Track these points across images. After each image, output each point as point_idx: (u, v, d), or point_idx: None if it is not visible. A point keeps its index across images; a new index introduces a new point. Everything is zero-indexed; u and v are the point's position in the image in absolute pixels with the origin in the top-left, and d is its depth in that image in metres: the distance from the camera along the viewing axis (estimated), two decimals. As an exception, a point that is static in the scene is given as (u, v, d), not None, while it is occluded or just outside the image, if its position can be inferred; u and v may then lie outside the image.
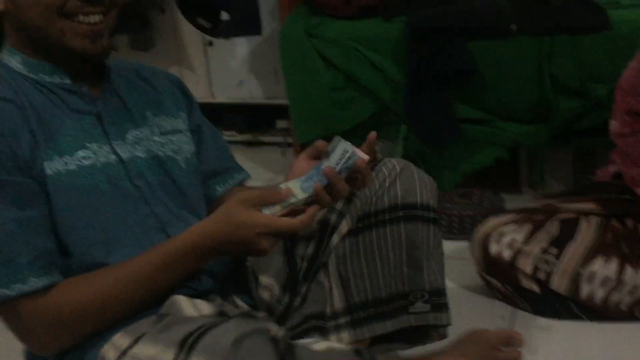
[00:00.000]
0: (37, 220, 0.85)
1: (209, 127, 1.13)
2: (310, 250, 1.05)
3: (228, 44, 2.76)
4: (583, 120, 1.83)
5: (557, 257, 1.39)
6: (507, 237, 1.44)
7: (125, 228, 0.92)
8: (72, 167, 0.89)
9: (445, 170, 2.04)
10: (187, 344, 0.77)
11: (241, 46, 2.81)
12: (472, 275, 1.55)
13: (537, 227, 1.45)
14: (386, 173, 1.04)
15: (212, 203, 1.09)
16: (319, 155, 0.94)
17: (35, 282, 0.83)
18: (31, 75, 0.92)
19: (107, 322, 0.87)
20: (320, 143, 0.94)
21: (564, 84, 1.81)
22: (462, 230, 1.78)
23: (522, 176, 2.06)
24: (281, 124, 2.83)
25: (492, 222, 1.50)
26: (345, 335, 1.03)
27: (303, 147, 2.33)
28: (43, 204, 0.86)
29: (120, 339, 0.85)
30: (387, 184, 1.03)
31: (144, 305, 0.89)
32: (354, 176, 0.90)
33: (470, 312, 1.46)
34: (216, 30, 2.49)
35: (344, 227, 1.04)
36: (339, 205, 1.04)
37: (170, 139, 1.02)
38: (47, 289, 0.84)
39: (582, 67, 1.78)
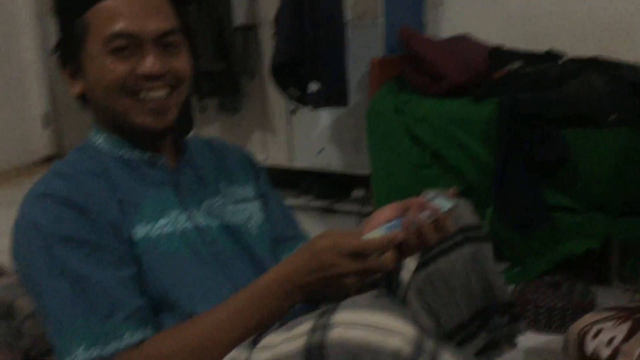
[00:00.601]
0: (130, 279, 0.88)
1: (274, 195, 1.16)
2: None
3: (311, 112, 2.83)
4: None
5: (659, 362, 1.31)
6: (605, 334, 1.37)
7: (206, 291, 0.94)
8: (155, 234, 0.93)
9: (531, 258, 1.98)
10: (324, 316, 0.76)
11: (324, 115, 2.87)
12: (562, 372, 1.48)
13: (638, 326, 1.37)
14: None
15: None
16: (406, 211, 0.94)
17: (128, 338, 0.84)
18: (114, 152, 0.98)
19: None
20: (415, 201, 0.94)
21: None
22: (549, 323, 1.71)
23: (613, 269, 1.98)
24: (357, 193, 2.85)
25: (588, 317, 1.43)
26: None
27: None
28: (133, 265, 0.90)
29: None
30: None
31: (233, 346, 0.87)
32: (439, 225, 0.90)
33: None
34: (304, 99, 2.56)
35: (410, 262, 1.04)
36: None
37: (241, 207, 1.06)
38: (140, 343, 0.85)
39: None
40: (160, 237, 0.93)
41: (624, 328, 1.37)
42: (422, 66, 2.25)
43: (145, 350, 0.85)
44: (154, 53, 0.92)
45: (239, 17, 2.92)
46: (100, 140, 0.99)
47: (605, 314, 1.43)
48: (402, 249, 0.89)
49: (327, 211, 2.90)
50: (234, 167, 1.11)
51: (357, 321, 0.74)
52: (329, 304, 1.05)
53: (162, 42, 0.93)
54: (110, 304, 0.85)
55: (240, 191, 1.08)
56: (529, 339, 1.68)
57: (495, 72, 2.18)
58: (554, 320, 1.69)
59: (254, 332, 0.88)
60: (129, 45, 0.91)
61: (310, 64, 2.42)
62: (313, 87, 2.52)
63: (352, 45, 2.56)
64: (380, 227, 0.89)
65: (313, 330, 0.75)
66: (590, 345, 1.37)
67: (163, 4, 0.95)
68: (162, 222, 0.94)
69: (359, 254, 0.83)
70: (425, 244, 0.90)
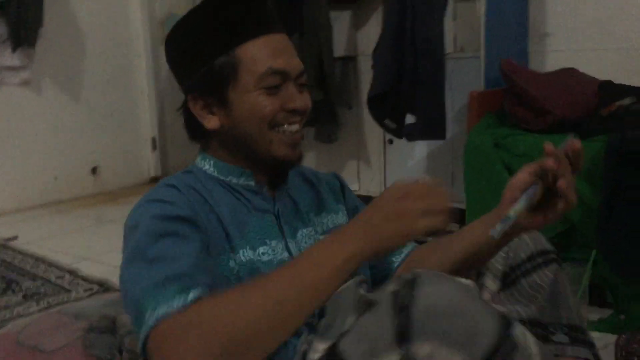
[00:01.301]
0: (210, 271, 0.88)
1: (363, 205, 1.16)
2: None
3: (407, 143, 2.82)
4: None
5: None
6: None
7: None
8: (255, 260, 0.96)
9: (638, 305, 1.85)
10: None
11: (420, 147, 2.86)
12: None
13: None
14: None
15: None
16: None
17: (192, 295, 0.79)
18: (221, 177, 1.03)
19: (266, 329, 0.78)
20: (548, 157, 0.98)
21: None
22: (657, 377, 1.58)
23: None
24: (452, 227, 2.79)
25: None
26: None
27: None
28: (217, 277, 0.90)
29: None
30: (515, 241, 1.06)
31: (298, 313, 0.81)
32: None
33: None
34: (401, 131, 2.56)
35: (490, 282, 1.06)
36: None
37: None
38: (198, 300, 0.79)
39: None
40: (260, 263, 0.96)
41: None
42: (525, 100, 2.18)
43: (191, 310, 0.78)
44: (298, 90, 1.00)
45: (340, 48, 2.98)
46: (207, 165, 1.04)
47: None
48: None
49: (421, 244, 2.85)
50: (325, 194, 1.13)
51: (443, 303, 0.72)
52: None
53: (298, 81, 1.00)
54: (182, 275, 0.82)
55: (332, 219, 1.11)
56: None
57: (604, 108, 2.08)
58: None
59: (314, 295, 0.80)
60: (280, 82, 0.98)
61: (408, 96, 2.43)
62: (410, 119, 2.52)
63: (452, 78, 2.55)
64: (521, 197, 0.93)
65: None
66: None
67: (292, 46, 1.02)
68: (261, 250, 0.98)
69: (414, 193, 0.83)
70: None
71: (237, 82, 0.97)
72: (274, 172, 1.04)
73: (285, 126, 0.98)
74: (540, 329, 1.02)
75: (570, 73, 2.41)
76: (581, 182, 1.93)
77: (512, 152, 2.07)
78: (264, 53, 0.97)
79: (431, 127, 2.43)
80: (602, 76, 2.32)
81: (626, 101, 2.07)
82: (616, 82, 2.28)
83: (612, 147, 1.84)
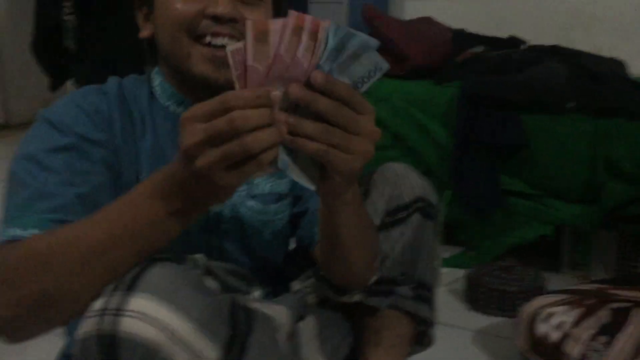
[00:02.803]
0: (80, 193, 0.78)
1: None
2: None
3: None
4: (633, 205, 1.79)
5: (607, 345, 1.33)
6: (556, 318, 1.39)
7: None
8: None
9: (486, 241, 1.99)
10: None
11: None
12: (511, 355, 1.49)
13: (588, 312, 1.39)
14: (397, 171, 0.97)
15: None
16: None
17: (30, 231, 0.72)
18: (162, 100, 0.91)
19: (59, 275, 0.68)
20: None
21: (617, 168, 1.78)
22: (501, 306, 1.72)
23: (564, 256, 2.01)
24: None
25: (539, 301, 1.44)
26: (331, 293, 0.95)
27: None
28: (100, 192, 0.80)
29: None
30: (401, 179, 0.95)
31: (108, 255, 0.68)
32: None
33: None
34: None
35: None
36: None
37: (264, 208, 0.94)
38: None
39: (637, 152, 1.75)
40: None
41: (574, 313, 1.39)
42: (385, 46, 2.21)
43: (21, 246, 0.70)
44: None
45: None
46: (155, 82, 0.92)
47: (555, 298, 1.45)
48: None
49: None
50: None
51: (155, 315, 0.62)
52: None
53: None
54: (44, 192, 0.75)
55: (271, 184, 0.95)
56: (480, 321, 1.69)
57: (458, 55, 2.17)
58: (506, 303, 1.70)
59: (123, 244, 0.68)
60: None
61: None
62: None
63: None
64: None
65: (103, 312, 0.62)
66: (541, 328, 1.39)
67: None
68: None
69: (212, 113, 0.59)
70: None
71: None
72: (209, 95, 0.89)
73: (208, 37, 0.82)
74: (387, 285, 0.94)
75: (427, 21, 2.48)
76: (437, 125, 2.01)
77: (374, 97, 2.10)
78: None
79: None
80: (455, 26, 2.42)
81: (478, 49, 2.17)
82: (468, 31, 2.38)
83: (465, 92, 1.93)
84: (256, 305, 0.81)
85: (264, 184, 0.95)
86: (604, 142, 1.78)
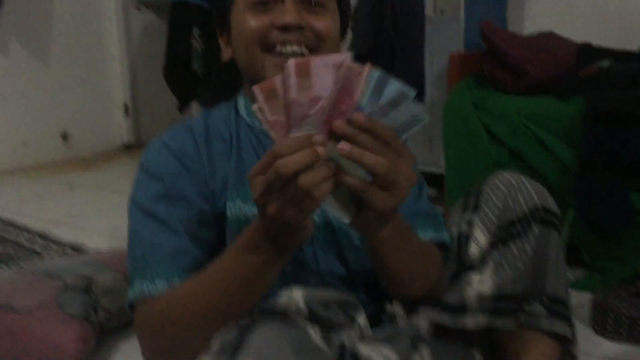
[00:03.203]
0: (205, 242, 0.91)
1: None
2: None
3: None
4: None
5: None
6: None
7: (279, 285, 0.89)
8: (249, 214, 0.91)
9: (613, 263, 1.88)
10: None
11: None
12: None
13: None
14: (511, 180, 0.95)
15: None
16: None
17: (159, 285, 0.86)
18: (248, 120, 0.98)
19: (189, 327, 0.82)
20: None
21: None
22: (631, 333, 1.61)
23: (703, 281, 1.85)
24: (430, 192, 2.79)
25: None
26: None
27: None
28: (214, 233, 0.91)
29: None
30: (515, 190, 0.93)
31: (225, 312, 0.81)
32: None
33: None
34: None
35: (480, 235, 0.94)
36: (467, 214, 0.96)
37: None
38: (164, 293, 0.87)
39: None
40: (254, 218, 0.88)
41: None
42: (504, 62, 2.17)
43: (162, 300, 0.86)
44: (294, 6, 0.89)
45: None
46: (241, 104, 1.00)
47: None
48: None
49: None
50: None
51: None
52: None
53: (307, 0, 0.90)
54: (175, 251, 0.87)
55: None
56: (609, 348, 1.60)
57: (583, 69, 2.08)
58: (637, 330, 1.60)
59: (236, 297, 0.79)
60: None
61: (387, 58, 2.40)
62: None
63: (431, 40, 2.52)
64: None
65: None
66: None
67: None
68: None
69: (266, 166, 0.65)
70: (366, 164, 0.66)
71: (235, 5, 0.92)
72: None
73: (278, 47, 0.88)
74: (512, 302, 0.90)
75: (548, 36, 2.40)
76: (558, 142, 1.94)
77: (492, 113, 2.07)
78: None
79: (410, 86, 2.41)
80: (580, 39, 2.33)
81: (604, 63, 2.08)
82: (594, 45, 2.28)
83: (591, 108, 1.85)
84: (365, 351, 0.81)
85: None
86: None
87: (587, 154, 1.83)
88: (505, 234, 0.93)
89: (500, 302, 0.89)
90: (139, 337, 0.88)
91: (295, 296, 0.80)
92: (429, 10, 2.73)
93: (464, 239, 0.96)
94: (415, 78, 2.40)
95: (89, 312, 1.52)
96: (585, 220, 1.87)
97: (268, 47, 0.89)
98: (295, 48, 0.88)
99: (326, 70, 0.61)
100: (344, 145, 0.63)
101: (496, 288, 0.90)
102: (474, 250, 0.94)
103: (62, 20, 3.66)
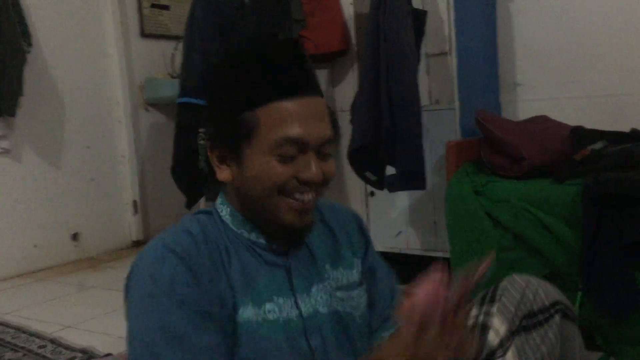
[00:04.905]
0: (224, 352, 0.90)
1: (383, 269, 1.12)
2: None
3: (389, 194, 2.85)
4: None
5: None
6: None
7: None
8: (259, 318, 0.94)
9: (626, 346, 1.86)
10: None
11: (402, 197, 2.89)
12: None
13: None
14: (529, 278, 1.05)
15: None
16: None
17: None
18: (233, 228, 1.00)
19: None
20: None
21: None
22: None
23: None
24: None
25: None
26: None
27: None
28: (228, 339, 0.92)
29: None
30: (534, 285, 1.03)
31: None
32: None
33: None
34: (382, 183, 2.59)
35: (498, 323, 1.00)
36: (484, 307, 1.03)
37: (349, 294, 1.04)
38: None
39: None
40: (263, 323, 0.94)
41: None
42: (500, 148, 2.24)
43: None
44: (315, 160, 0.93)
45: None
46: (224, 212, 1.01)
47: None
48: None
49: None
50: (342, 246, 1.08)
51: None
52: None
53: (321, 150, 0.94)
54: None
55: (347, 275, 1.06)
56: None
57: (577, 152, 2.14)
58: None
59: None
60: (297, 152, 0.92)
61: (387, 148, 2.47)
62: (390, 171, 2.56)
63: (429, 130, 2.60)
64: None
65: None
66: None
67: (325, 112, 0.96)
68: (268, 307, 0.95)
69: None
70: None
71: (254, 142, 0.92)
72: (284, 236, 0.99)
73: (296, 195, 0.93)
74: None
75: (542, 120, 2.48)
76: (561, 224, 1.96)
77: (492, 199, 2.10)
78: (285, 118, 0.91)
79: (411, 177, 2.47)
80: (572, 122, 2.40)
81: (598, 145, 2.13)
82: (586, 127, 2.35)
83: (589, 190, 1.88)
84: None
85: (341, 277, 1.04)
86: None
87: (589, 236, 1.85)
88: (527, 322, 1.01)
89: None
90: None
91: None
92: (424, 100, 2.83)
93: (479, 329, 1.01)
94: (415, 166, 2.46)
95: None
96: (594, 302, 1.86)
97: (285, 193, 0.93)
98: (310, 196, 0.94)
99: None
100: None
101: None
102: (492, 338, 1.00)
103: (73, 123, 3.79)
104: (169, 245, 0.93)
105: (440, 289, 0.79)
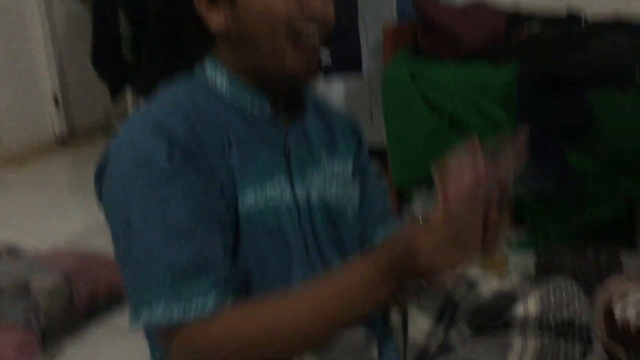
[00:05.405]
0: (224, 243, 0.80)
1: (373, 172, 1.05)
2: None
3: (325, 85, 2.78)
4: None
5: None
6: (632, 296, 1.34)
7: (282, 273, 0.86)
8: (260, 205, 0.84)
9: (555, 224, 1.94)
10: None
11: (337, 87, 2.82)
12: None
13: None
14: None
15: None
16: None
17: (210, 306, 0.74)
18: (234, 99, 0.87)
19: (277, 355, 0.77)
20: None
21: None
22: (575, 288, 1.67)
23: (638, 232, 1.93)
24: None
25: (614, 285, 1.39)
26: None
27: (399, 190, 2.32)
28: (229, 229, 0.82)
29: None
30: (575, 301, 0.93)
31: (314, 342, 0.79)
32: None
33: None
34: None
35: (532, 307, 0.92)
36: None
37: (343, 187, 0.95)
38: (215, 314, 0.75)
39: None
40: (262, 206, 0.84)
41: (654, 293, 1.34)
42: (437, 32, 2.18)
43: (218, 323, 0.74)
44: None
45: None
46: (220, 79, 0.87)
47: (630, 276, 1.40)
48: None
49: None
50: (338, 136, 0.98)
51: None
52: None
53: None
54: (201, 262, 0.75)
55: (342, 166, 0.97)
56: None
57: (514, 34, 2.11)
58: (580, 285, 1.65)
59: (337, 326, 0.78)
60: None
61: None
62: (324, 54, 2.48)
63: (364, 13, 2.51)
64: None
65: None
66: (620, 315, 1.34)
67: None
68: (269, 183, 0.85)
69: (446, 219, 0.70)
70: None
71: None
72: (287, 91, 0.88)
73: (304, 38, 0.82)
74: None
75: (479, 5, 2.42)
76: (496, 107, 1.97)
77: (429, 83, 2.07)
78: None
79: (347, 60, 2.41)
80: (509, 4, 2.35)
81: (534, 28, 2.11)
82: (523, 7, 2.31)
83: (524, 73, 1.87)
84: None
85: (335, 166, 0.95)
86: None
87: (522, 118, 1.86)
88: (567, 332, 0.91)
89: None
90: None
91: None
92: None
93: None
94: (351, 51, 2.39)
95: (29, 318, 1.45)
96: (526, 183, 1.90)
97: (292, 34, 0.82)
98: (317, 42, 0.84)
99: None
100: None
101: None
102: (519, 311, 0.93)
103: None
104: (158, 124, 0.79)
105: (481, 164, 0.71)
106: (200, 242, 0.76)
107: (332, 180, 0.94)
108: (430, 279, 0.73)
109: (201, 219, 0.77)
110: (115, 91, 2.66)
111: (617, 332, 1.33)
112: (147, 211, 0.75)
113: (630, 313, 1.32)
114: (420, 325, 1.00)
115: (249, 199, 0.83)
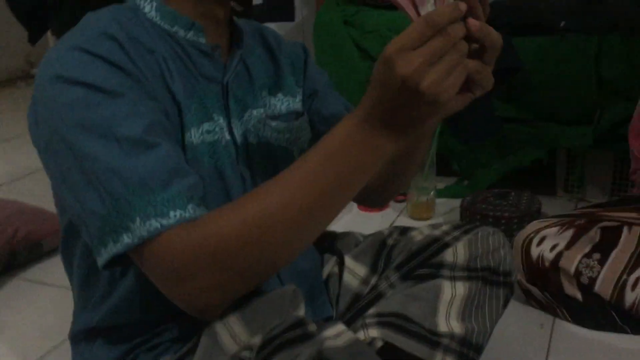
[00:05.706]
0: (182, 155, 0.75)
1: (333, 93, 1.00)
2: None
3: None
4: (628, 124, 1.76)
5: (601, 262, 1.34)
6: (549, 241, 1.39)
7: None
8: (196, 141, 0.80)
9: (480, 169, 1.98)
10: None
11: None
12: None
13: (579, 232, 1.39)
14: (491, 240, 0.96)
15: None
16: None
17: (190, 211, 0.68)
18: (165, 27, 0.80)
19: (271, 249, 0.69)
20: None
21: (612, 86, 1.75)
22: (497, 232, 1.72)
23: (559, 179, 2.00)
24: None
25: (532, 226, 1.44)
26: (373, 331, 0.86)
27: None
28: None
29: None
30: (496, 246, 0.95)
31: (313, 223, 0.71)
32: None
33: (506, 319, 1.41)
34: (248, 14, 2.43)
35: (461, 253, 0.93)
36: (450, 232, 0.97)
37: (288, 125, 0.92)
38: (198, 218, 0.68)
39: (632, 70, 1.71)
40: (200, 144, 0.80)
41: (567, 235, 1.39)
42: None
43: (204, 225, 0.67)
44: None
45: None
46: (147, 6, 0.80)
47: (549, 222, 1.45)
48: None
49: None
50: (286, 71, 0.94)
51: None
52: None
53: None
54: (169, 170, 0.68)
55: (287, 103, 0.93)
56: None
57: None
58: (501, 228, 1.70)
59: (337, 197, 0.70)
60: None
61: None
62: (257, 0, 2.40)
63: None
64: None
65: None
66: (535, 251, 1.39)
67: None
68: (207, 125, 0.81)
69: (423, 38, 0.62)
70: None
71: None
72: (221, 20, 0.83)
73: None
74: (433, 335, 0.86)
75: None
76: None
77: (361, 29, 2.05)
78: None
79: (279, 8, 2.34)
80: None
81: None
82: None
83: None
84: None
85: (279, 104, 0.92)
86: (599, 61, 1.74)
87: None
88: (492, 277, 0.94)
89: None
90: (173, 277, 0.67)
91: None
92: None
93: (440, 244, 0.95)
94: (283, -3, 2.32)
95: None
96: (452, 129, 1.93)
97: None
98: None
99: None
100: (474, 21, 0.64)
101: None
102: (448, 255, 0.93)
103: None
104: (84, 47, 0.71)
105: None
106: (163, 151, 0.69)
107: (274, 120, 0.90)
108: (428, 101, 0.63)
109: (152, 129, 0.70)
110: (35, 34, 2.51)
111: (534, 270, 1.39)
112: (90, 131, 0.68)
113: (546, 246, 1.38)
114: (357, 273, 1.00)
115: (189, 136, 0.79)
